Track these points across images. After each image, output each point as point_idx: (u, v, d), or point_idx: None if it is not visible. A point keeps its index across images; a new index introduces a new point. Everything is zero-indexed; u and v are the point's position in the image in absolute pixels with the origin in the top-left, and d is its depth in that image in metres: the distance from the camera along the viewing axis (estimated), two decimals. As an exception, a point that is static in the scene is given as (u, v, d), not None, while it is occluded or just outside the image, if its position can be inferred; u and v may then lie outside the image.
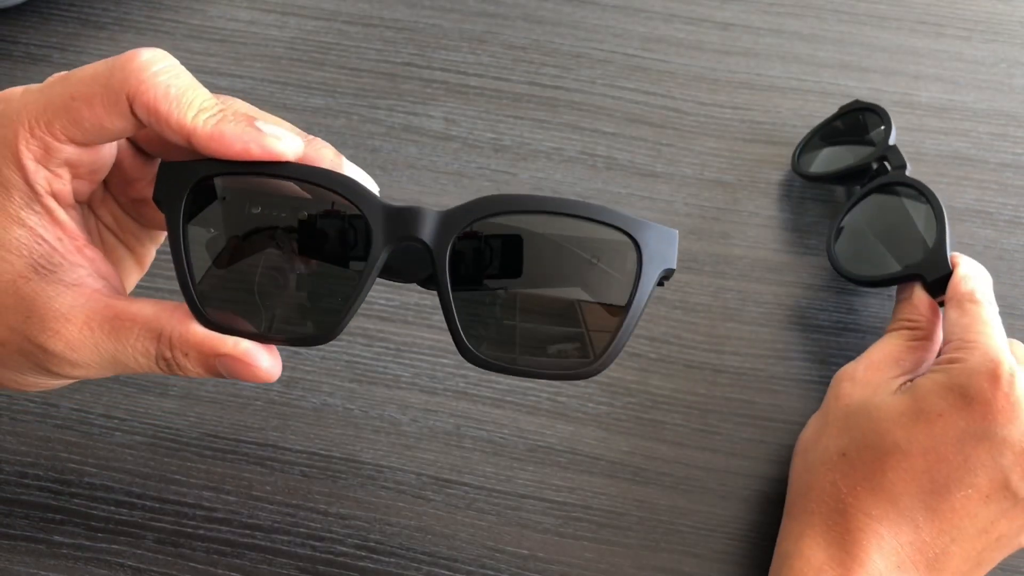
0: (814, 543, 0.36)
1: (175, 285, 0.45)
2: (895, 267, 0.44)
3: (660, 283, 0.30)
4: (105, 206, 0.33)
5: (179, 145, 0.29)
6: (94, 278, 0.30)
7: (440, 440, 0.42)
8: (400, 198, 0.49)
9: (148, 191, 0.33)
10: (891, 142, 0.47)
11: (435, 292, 0.31)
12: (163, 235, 0.36)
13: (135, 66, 0.28)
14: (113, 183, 0.33)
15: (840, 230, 0.47)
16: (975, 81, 0.56)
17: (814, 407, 0.43)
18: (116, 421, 0.41)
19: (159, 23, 0.55)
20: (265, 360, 0.29)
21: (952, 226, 0.49)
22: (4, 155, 0.28)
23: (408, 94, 0.53)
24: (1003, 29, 0.58)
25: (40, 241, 0.29)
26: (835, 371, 0.42)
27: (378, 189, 0.30)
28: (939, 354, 0.39)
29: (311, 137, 0.30)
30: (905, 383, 0.38)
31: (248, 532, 0.39)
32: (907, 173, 0.46)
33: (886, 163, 0.47)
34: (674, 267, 0.30)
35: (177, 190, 0.29)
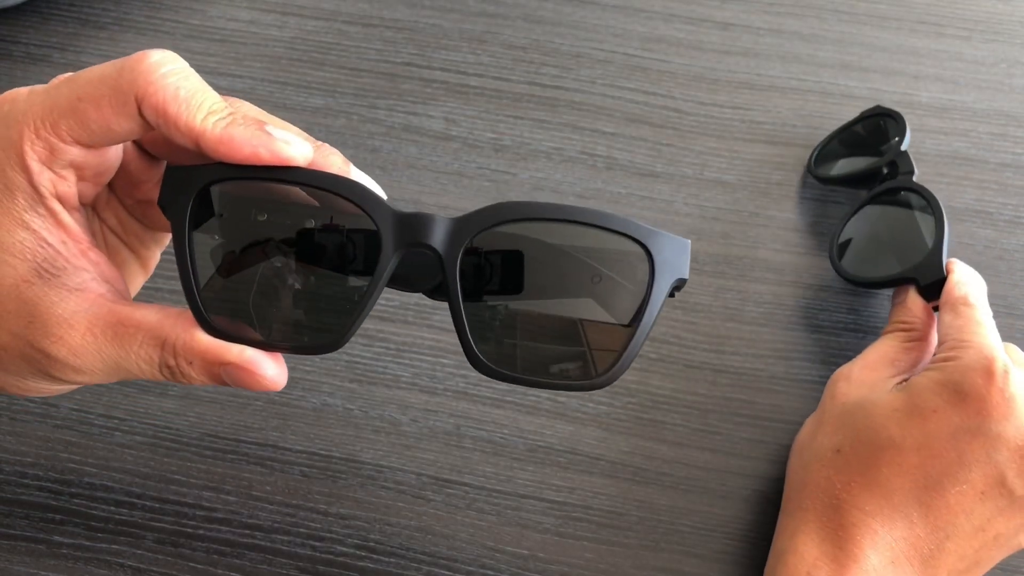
0: (808, 539, 0.36)
1: (172, 284, 0.45)
2: (892, 270, 0.44)
3: (672, 293, 0.30)
4: (109, 208, 0.33)
5: (186, 148, 0.29)
6: (98, 282, 0.29)
7: (440, 440, 0.42)
8: (400, 198, 0.49)
9: (153, 193, 0.33)
10: (903, 148, 0.47)
11: (438, 300, 0.31)
12: (167, 238, 0.36)
13: (144, 67, 0.27)
14: (118, 185, 0.33)
15: (844, 231, 0.47)
16: (975, 81, 0.56)
17: (814, 407, 0.43)
18: (116, 421, 0.41)
19: (159, 23, 0.55)
20: (271, 369, 0.29)
21: (952, 226, 0.49)
22: (8, 156, 0.28)
23: (408, 94, 0.53)
24: (1003, 29, 0.58)
25: (44, 244, 0.29)
26: (835, 371, 0.42)
27: (386, 196, 0.30)
28: (934, 355, 0.39)
29: (319, 143, 0.30)
30: (900, 382, 0.39)
31: (248, 532, 0.39)
32: (915, 179, 0.46)
33: (896, 168, 0.47)
34: (686, 277, 0.30)
35: (183, 195, 0.29)
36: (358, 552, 0.39)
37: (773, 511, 0.40)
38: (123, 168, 0.32)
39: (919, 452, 0.35)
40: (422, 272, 0.30)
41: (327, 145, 0.30)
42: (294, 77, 0.53)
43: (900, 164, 0.47)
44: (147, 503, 0.39)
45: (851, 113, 0.53)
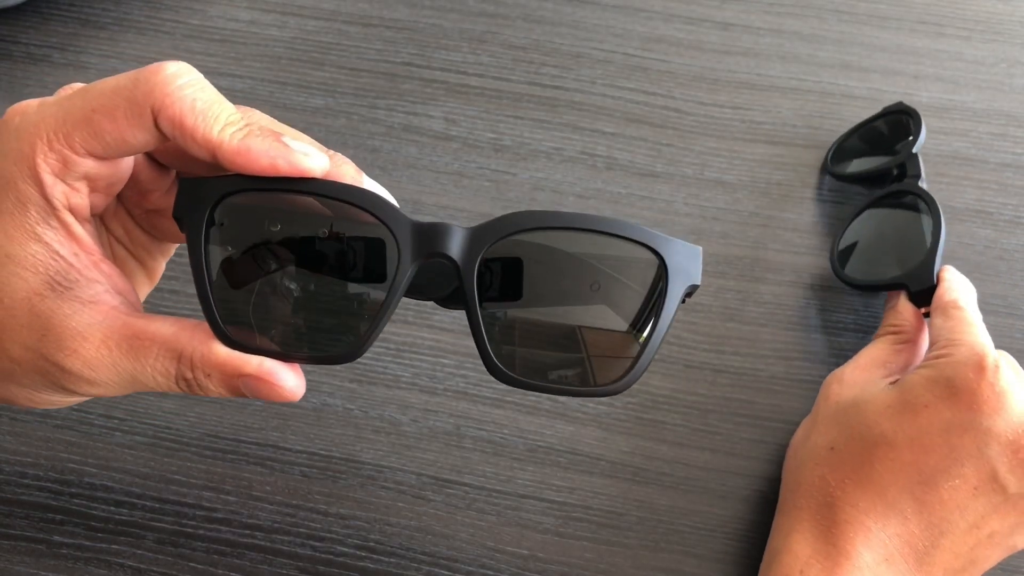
0: (802, 537, 0.36)
1: (172, 284, 0.45)
2: (887, 275, 0.44)
3: (683, 299, 0.30)
4: (117, 219, 0.33)
5: (199, 159, 0.28)
6: (111, 294, 0.29)
7: (440, 440, 0.42)
8: (400, 198, 0.49)
9: (162, 202, 0.33)
10: (915, 150, 0.47)
11: (450, 309, 0.31)
12: (174, 248, 0.35)
13: (160, 79, 0.27)
14: (127, 195, 0.32)
15: (845, 234, 0.48)
16: (975, 81, 0.56)
17: (813, 407, 0.43)
18: (116, 421, 0.41)
19: (159, 23, 0.55)
20: (290, 379, 0.29)
21: (952, 226, 0.49)
22: (21, 169, 0.28)
23: (408, 94, 0.53)
24: (1003, 29, 0.58)
25: (56, 257, 0.28)
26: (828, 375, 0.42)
27: (398, 205, 0.30)
28: (926, 355, 0.39)
29: (332, 152, 0.30)
30: (893, 382, 0.39)
31: (248, 532, 0.39)
32: (922, 183, 0.46)
33: (905, 170, 0.47)
34: (699, 283, 0.30)
35: (198, 207, 0.28)
36: (358, 552, 0.39)
37: (773, 511, 0.40)
38: (132, 177, 0.31)
39: (911, 447, 0.36)
40: (435, 281, 0.31)
41: (339, 155, 0.30)
42: (294, 77, 0.53)
43: (909, 166, 0.47)
44: (147, 503, 0.39)
45: (851, 113, 0.53)
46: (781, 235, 0.49)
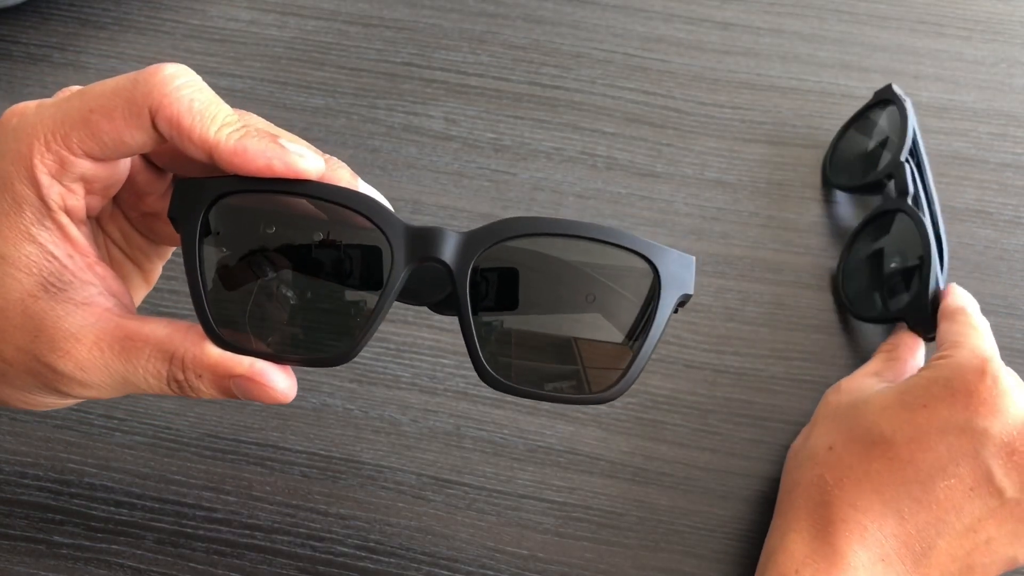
0: (798, 537, 0.36)
1: (172, 284, 0.45)
2: (885, 306, 0.45)
3: (676, 309, 0.30)
4: (113, 221, 0.33)
5: (195, 160, 0.28)
6: (104, 296, 0.29)
7: (440, 440, 0.42)
8: (400, 198, 0.49)
9: (158, 205, 0.33)
10: (903, 157, 0.47)
11: (443, 314, 0.31)
12: (171, 251, 0.35)
13: (159, 80, 0.27)
14: (123, 197, 0.32)
15: (846, 259, 0.48)
16: (975, 81, 0.56)
17: (814, 407, 0.43)
18: (116, 421, 0.41)
19: (159, 23, 0.55)
20: (281, 381, 0.29)
21: (952, 226, 0.49)
22: (18, 169, 0.28)
23: (408, 94, 0.53)
24: (1003, 29, 0.58)
25: (50, 258, 0.28)
26: (835, 371, 0.42)
27: (395, 208, 0.30)
28: (930, 358, 0.40)
29: (327, 156, 0.30)
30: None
31: (248, 532, 0.39)
32: (912, 195, 0.46)
33: (892, 178, 0.47)
34: (691, 293, 0.30)
35: (194, 207, 0.28)
36: (358, 552, 0.39)
37: (773, 511, 0.40)
38: (129, 180, 0.31)
39: (909, 446, 0.36)
40: (428, 285, 0.31)
41: (335, 159, 0.30)
42: (294, 77, 0.53)
43: (897, 179, 0.46)
44: (147, 503, 0.39)
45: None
46: (781, 235, 0.49)
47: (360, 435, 0.42)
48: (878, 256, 0.47)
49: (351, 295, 0.29)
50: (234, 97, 0.51)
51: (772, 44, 0.57)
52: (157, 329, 0.29)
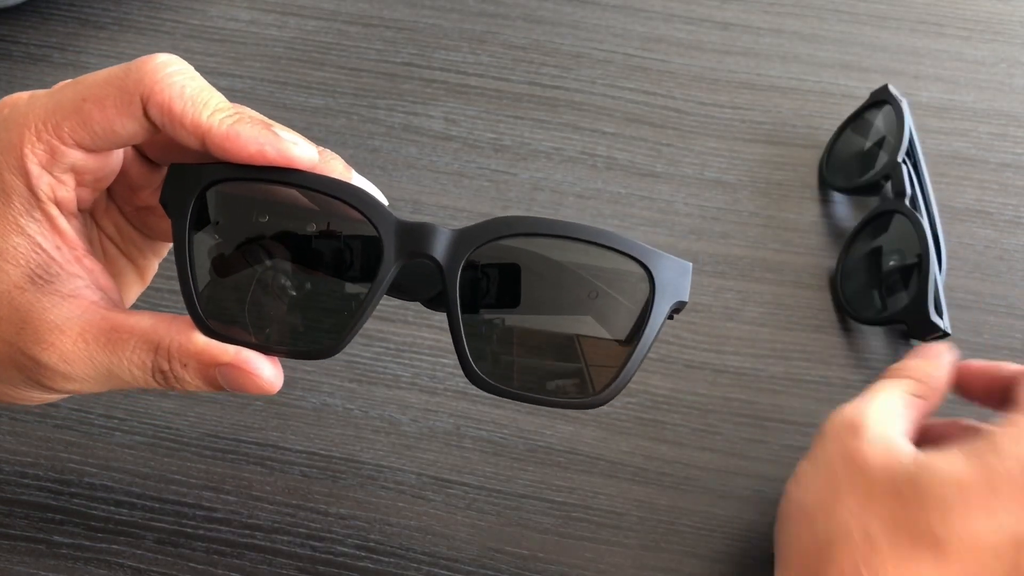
0: None
1: (173, 284, 0.45)
2: (887, 308, 0.45)
3: (671, 315, 0.30)
4: (108, 216, 0.33)
5: (188, 150, 0.28)
6: (92, 290, 0.29)
7: (440, 440, 0.42)
8: (400, 198, 0.49)
9: (153, 199, 0.33)
10: (899, 158, 0.47)
11: (436, 311, 0.31)
12: (166, 247, 0.35)
13: (150, 68, 0.27)
14: (117, 191, 0.32)
15: (844, 260, 0.48)
16: (975, 81, 0.56)
17: (814, 407, 0.43)
18: (116, 421, 0.41)
19: (159, 23, 0.55)
20: (267, 370, 0.29)
21: (952, 226, 0.49)
22: (8, 159, 0.28)
23: (408, 94, 0.53)
24: (1003, 29, 0.58)
25: (38, 250, 0.28)
26: (835, 371, 0.42)
27: (387, 202, 0.29)
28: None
29: (321, 148, 0.30)
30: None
31: (248, 532, 0.39)
32: (909, 194, 0.46)
33: (890, 179, 0.47)
34: (687, 300, 0.29)
35: (186, 193, 0.28)
36: (358, 552, 0.39)
37: (773, 511, 0.40)
38: (123, 174, 0.31)
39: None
40: (421, 281, 0.30)
41: (328, 151, 0.30)
42: (294, 77, 0.53)
43: (894, 180, 0.46)
44: (147, 503, 0.39)
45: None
46: (781, 235, 0.49)
47: (360, 435, 0.42)
48: (876, 257, 0.47)
49: (340, 288, 0.29)
50: (234, 97, 0.50)
51: (772, 44, 0.57)
52: (143, 320, 0.29)
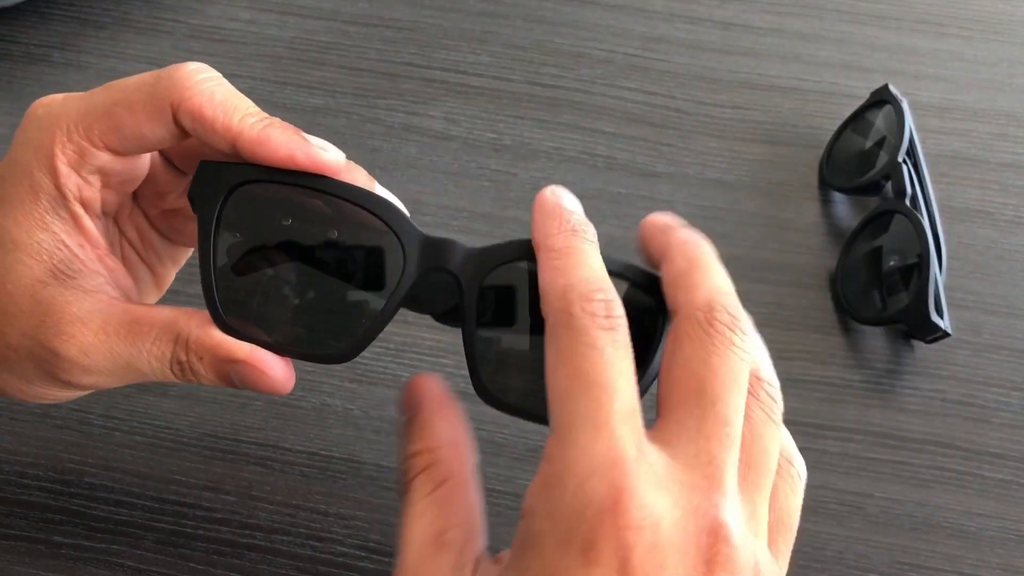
0: None
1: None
2: (884, 308, 0.45)
3: None
4: (131, 221, 0.33)
5: (218, 155, 0.29)
6: (112, 287, 0.30)
7: (440, 440, 0.42)
8: (400, 198, 0.49)
9: (179, 203, 0.33)
10: (900, 158, 0.47)
11: (448, 325, 0.31)
12: (185, 255, 0.36)
13: (180, 75, 0.28)
14: (144, 194, 0.33)
15: (845, 260, 0.48)
16: (975, 81, 0.56)
17: (813, 407, 0.43)
18: (116, 421, 0.41)
19: (159, 23, 0.55)
20: (279, 370, 0.29)
21: (952, 226, 0.49)
22: (38, 158, 0.28)
23: (408, 94, 0.53)
24: (1003, 29, 0.58)
25: (61, 247, 0.29)
26: (835, 371, 0.42)
27: (408, 214, 0.30)
28: None
29: (346, 159, 0.30)
30: None
31: (248, 532, 0.39)
32: (910, 194, 0.46)
33: (890, 178, 0.47)
34: None
35: (214, 190, 0.29)
36: (358, 552, 0.39)
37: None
38: (149, 178, 0.32)
39: None
40: (435, 295, 0.31)
41: (351, 162, 0.30)
42: (294, 77, 0.53)
43: (894, 180, 0.46)
44: (147, 503, 0.39)
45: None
46: (781, 235, 0.49)
47: (360, 435, 0.42)
48: (876, 257, 0.47)
49: (358, 296, 0.29)
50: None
51: (772, 44, 0.57)
52: (163, 312, 0.29)
